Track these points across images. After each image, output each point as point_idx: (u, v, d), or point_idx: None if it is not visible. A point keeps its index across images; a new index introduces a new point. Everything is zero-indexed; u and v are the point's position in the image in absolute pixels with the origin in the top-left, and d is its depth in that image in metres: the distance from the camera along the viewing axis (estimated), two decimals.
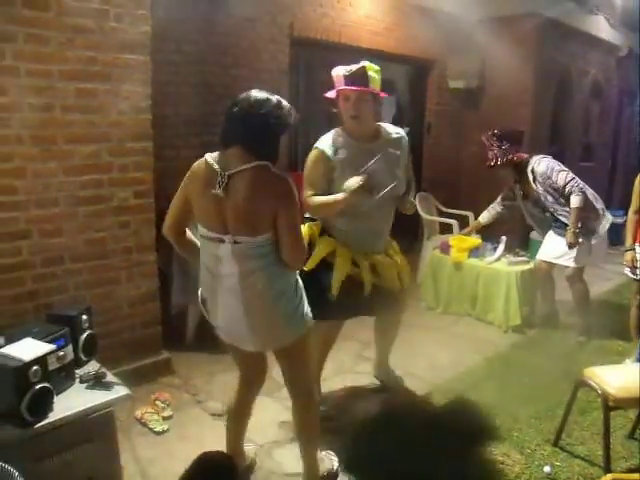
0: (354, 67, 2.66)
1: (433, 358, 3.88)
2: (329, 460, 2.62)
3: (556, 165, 4.14)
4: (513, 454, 2.74)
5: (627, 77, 8.41)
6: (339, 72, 2.70)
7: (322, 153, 2.72)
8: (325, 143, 2.75)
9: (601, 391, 2.49)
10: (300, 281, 2.24)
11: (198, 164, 2.12)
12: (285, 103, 2.12)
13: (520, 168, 4.23)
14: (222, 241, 2.05)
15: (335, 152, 2.72)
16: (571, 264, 4.15)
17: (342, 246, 2.79)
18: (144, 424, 2.91)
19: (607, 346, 4.00)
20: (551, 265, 4.35)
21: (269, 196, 2.01)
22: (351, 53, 5.20)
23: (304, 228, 2.69)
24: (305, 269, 2.52)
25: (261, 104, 2.04)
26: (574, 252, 4.07)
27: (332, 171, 2.71)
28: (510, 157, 4.18)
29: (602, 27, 7.31)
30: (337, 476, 2.57)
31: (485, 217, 4.67)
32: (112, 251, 3.16)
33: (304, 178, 2.76)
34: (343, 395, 3.19)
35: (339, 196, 2.62)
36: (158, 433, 2.85)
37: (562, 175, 4.05)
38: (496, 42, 6.11)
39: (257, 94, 2.07)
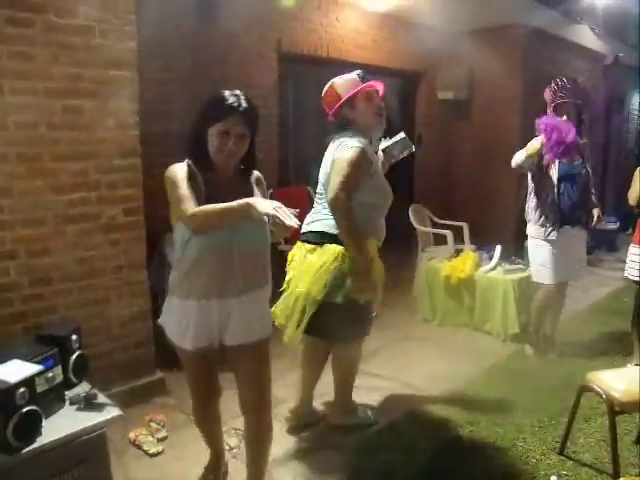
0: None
1: (431, 370, 3.81)
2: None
3: None
4: (518, 465, 2.67)
5: (614, 85, 8.49)
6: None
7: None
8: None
9: (606, 395, 2.43)
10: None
11: None
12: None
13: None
14: None
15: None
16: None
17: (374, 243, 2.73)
18: (138, 446, 2.82)
19: (609, 351, 3.94)
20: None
21: None
22: (339, 67, 5.22)
23: None
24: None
25: None
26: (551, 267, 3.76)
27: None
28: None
29: (587, 36, 7.38)
30: None
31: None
32: (102, 270, 3.10)
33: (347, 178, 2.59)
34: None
35: None
36: (152, 455, 2.77)
37: None
38: (483, 53, 6.17)
39: None
